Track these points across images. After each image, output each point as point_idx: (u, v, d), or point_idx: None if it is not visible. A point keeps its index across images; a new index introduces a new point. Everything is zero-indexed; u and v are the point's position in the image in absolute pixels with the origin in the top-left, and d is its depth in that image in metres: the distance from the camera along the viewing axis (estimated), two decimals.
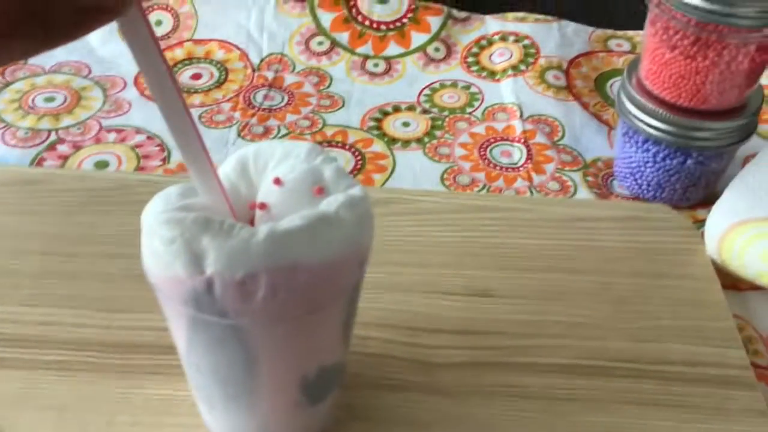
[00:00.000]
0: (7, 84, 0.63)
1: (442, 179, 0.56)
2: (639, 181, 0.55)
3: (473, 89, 0.65)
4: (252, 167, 0.32)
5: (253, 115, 0.61)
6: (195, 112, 0.61)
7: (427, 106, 0.64)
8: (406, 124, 0.62)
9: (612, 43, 0.71)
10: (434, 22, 0.69)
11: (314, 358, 0.33)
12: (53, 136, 0.58)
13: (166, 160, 0.57)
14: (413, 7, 0.70)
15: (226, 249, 0.27)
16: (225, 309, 0.28)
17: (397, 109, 0.63)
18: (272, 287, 0.28)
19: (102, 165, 0.56)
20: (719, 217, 0.48)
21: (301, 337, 0.31)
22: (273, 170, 0.31)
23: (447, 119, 0.62)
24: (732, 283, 0.48)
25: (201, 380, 0.33)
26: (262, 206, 0.30)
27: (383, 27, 0.69)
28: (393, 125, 0.61)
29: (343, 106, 0.63)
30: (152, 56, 0.25)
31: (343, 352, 0.35)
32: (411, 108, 0.63)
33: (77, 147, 0.57)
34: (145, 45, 0.24)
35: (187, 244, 0.28)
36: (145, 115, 0.61)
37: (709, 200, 0.53)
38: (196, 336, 0.30)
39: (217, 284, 0.27)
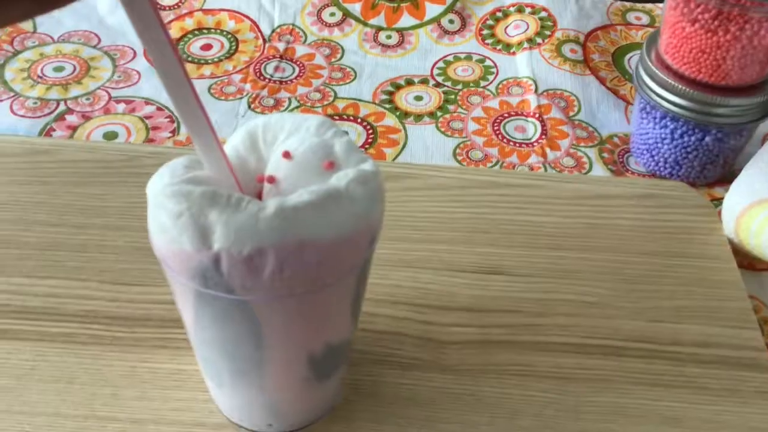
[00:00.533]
0: (16, 53, 0.62)
1: (455, 154, 0.55)
2: (656, 158, 0.54)
3: (488, 62, 0.64)
4: (261, 140, 0.31)
5: (263, 87, 0.61)
6: (205, 84, 0.61)
7: (440, 79, 0.63)
8: (418, 98, 0.61)
9: (631, 16, 0.69)
10: None
11: (321, 335, 0.32)
12: (62, 107, 0.58)
13: (175, 131, 0.56)
14: None
15: (233, 224, 0.27)
16: (231, 284, 0.28)
17: (409, 82, 0.62)
18: (280, 263, 0.27)
19: (111, 136, 0.55)
20: (737, 196, 0.47)
21: (308, 315, 0.30)
22: (283, 143, 0.30)
23: (460, 93, 0.61)
24: (749, 263, 0.48)
25: (209, 354, 0.33)
26: (271, 180, 0.29)
27: None
28: (405, 99, 0.60)
29: (354, 78, 0.62)
30: (153, 27, 0.24)
31: (351, 331, 0.34)
32: (424, 81, 0.62)
33: (86, 117, 0.57)
34: (145, 14, 0.23)
35: (194, 218, 0.27)
36: (155, 85, 0.60)
37: (727, 178, 0.52)
38: (202, 310, 0.30)
39: (224, 259, 0.27)
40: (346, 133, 0.31)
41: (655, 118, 0.52)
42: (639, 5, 0.70)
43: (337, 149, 0.30)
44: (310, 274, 0.28)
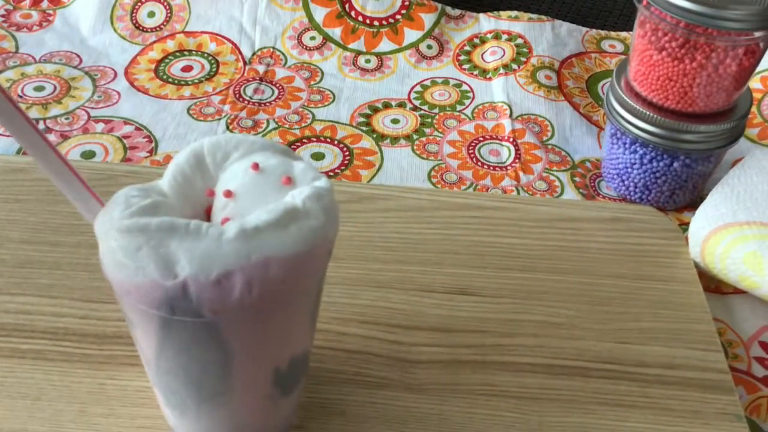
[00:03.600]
0: None
1: (430, 177, 0.56)
2: (626, 183, 0.54)
3: (464, 87, 0.65)
4: (208, 159, 0.32)
5: (242, 108, 0.61)
6: (184, 104, 0.61)
7: (417, 103, 0.63)
8: (395, 121, 0.61)
9: (605, 44, 0.70)
10: (428, 19, 0.69)
11: (287, 349, 0.33)
12: (41, 126, 0.58)
13: (153, 151, 0.56)
14: (407, 3, 0.70)
15: (197, 251, 0.28)
16: (200, 309, 0.28)
17: (387, 105, 0.63)
18: (248, 284, 0.28)
19: (89, 155, 0.56)
20: (702, 221, 0.48)
21: (275, 330, 0.31)
22: (239, 161, 0.31)
23: (437, 117, 0.62)
24: (715, 286, 0.48)
25: (173, 384, 0.33)
26: (228, 194, 0.30)
27: (376, 23, 0.69)
28: (382, 122, 0.61)
29: (333, 101, 0.63)
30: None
31: (311, 341, 0.35)
32: (401, 105, 0.63)
33: (65, 137, 0.57)
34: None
35: (155, 250, 0.28)
36: (134, 106, 0.61)
37: (695, 203, 0.53)
38: (167, 339, 0.30)
39: (191, 287, 0.28)
40: (302, 158, 0.33)
41: (625, 143, 0.53)
42: (613, 33, 0.72)
43: (296, 167, 0.31)
44: (276, 290, 0.29)
